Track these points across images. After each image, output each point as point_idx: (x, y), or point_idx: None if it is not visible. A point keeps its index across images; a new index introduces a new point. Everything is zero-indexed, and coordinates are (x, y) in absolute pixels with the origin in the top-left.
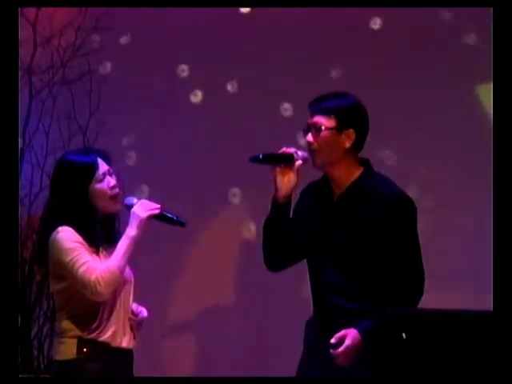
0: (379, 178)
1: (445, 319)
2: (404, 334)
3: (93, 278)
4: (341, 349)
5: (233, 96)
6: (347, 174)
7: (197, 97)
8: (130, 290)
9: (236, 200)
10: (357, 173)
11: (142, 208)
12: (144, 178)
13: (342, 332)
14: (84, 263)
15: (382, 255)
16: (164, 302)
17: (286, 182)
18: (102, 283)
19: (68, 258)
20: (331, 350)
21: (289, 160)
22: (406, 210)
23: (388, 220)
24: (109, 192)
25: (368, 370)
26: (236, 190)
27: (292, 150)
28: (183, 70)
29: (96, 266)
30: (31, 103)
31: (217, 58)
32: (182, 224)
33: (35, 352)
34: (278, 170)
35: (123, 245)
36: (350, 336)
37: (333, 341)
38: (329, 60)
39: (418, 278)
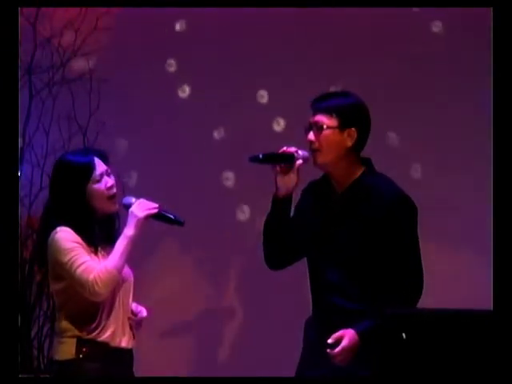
0: (380, 178)
1: (445, 319)
2: (404, 334)
3: (91, 278)
4: (337, 349)
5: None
6: (348, 174)
7: (184, 92)
8: (129, 290)
9: (237, 200)
10: (358, 172)
11: (140, 207)
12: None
13: (340, 332)
14: (82, 263)
15: (382, 255)
16: (164, 302)
17: (287, 181)
18: (99, 283)
19: (66, 258)
20: (328, 350)
21: (289, 159)
22: (407, 210)
23: (388, 220)
24: (106, 192)
25: (368, 370)
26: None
27: (292, 149)
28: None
29: (94, 266)
30: (31, 103)
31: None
32: (180, 223)
33: (35, 352)
34: (278, 169)
35: (121, 245)
36: (347, 336)
37: (330, 341)
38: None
39: (417, 278)
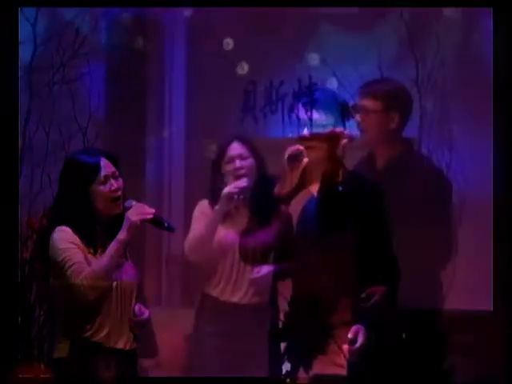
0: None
1: (444, 319)
2: (404, 334)
3: (78, 279)
4: (357, 345)
5: None
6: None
7: None
8: (130, 292)
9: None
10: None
11: (135, 212)
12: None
13: (355, 328)
14: (72, 264)
15: (368, 241)
16: (165, 302)
17: (293, 180)
18: (85, 284)
19: (60, 258)
20: (348, 347)
21: (298, 157)
22: (383, 197)
23: (374, 210)
24: (109, 194)
25: (368, 370)
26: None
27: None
28: None
29: (84, 268)
30: (31, 103)
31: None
32: (171, 230)
33: (35, 352)
34: (288, 168)
35: (112, 248)
36: (361, 332)
37: (350, 335)
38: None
39: (395, 261)
